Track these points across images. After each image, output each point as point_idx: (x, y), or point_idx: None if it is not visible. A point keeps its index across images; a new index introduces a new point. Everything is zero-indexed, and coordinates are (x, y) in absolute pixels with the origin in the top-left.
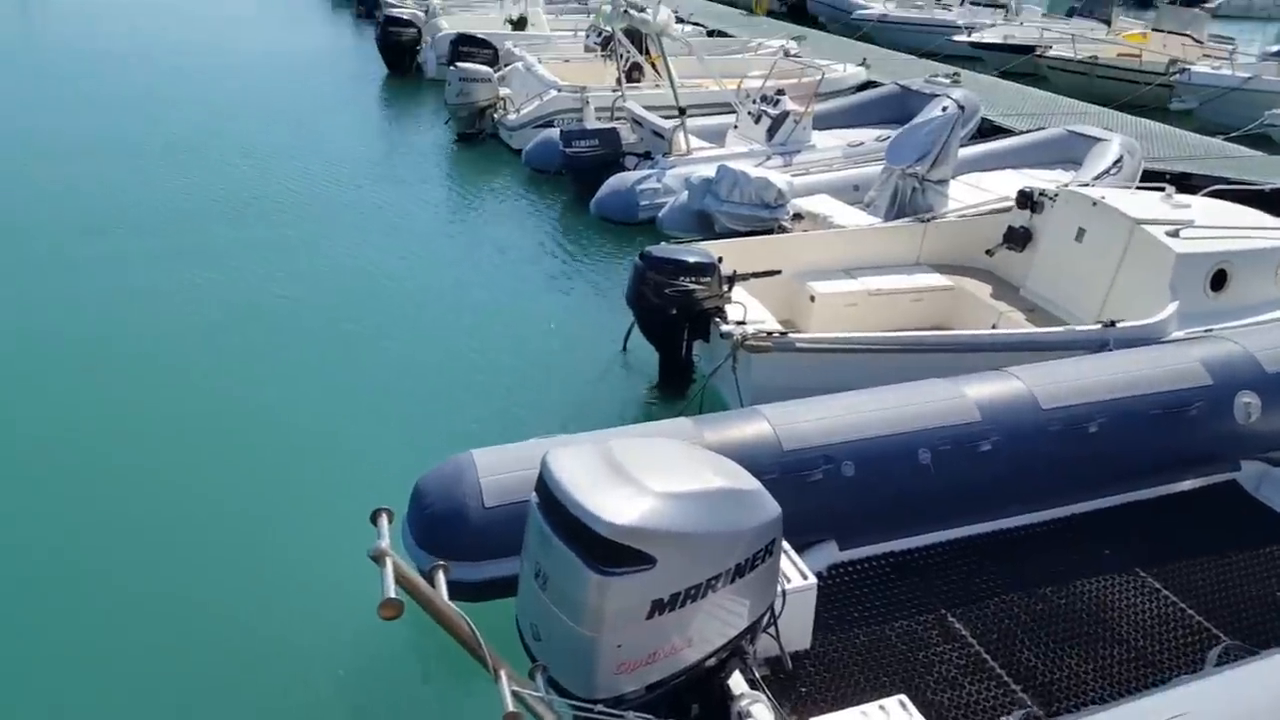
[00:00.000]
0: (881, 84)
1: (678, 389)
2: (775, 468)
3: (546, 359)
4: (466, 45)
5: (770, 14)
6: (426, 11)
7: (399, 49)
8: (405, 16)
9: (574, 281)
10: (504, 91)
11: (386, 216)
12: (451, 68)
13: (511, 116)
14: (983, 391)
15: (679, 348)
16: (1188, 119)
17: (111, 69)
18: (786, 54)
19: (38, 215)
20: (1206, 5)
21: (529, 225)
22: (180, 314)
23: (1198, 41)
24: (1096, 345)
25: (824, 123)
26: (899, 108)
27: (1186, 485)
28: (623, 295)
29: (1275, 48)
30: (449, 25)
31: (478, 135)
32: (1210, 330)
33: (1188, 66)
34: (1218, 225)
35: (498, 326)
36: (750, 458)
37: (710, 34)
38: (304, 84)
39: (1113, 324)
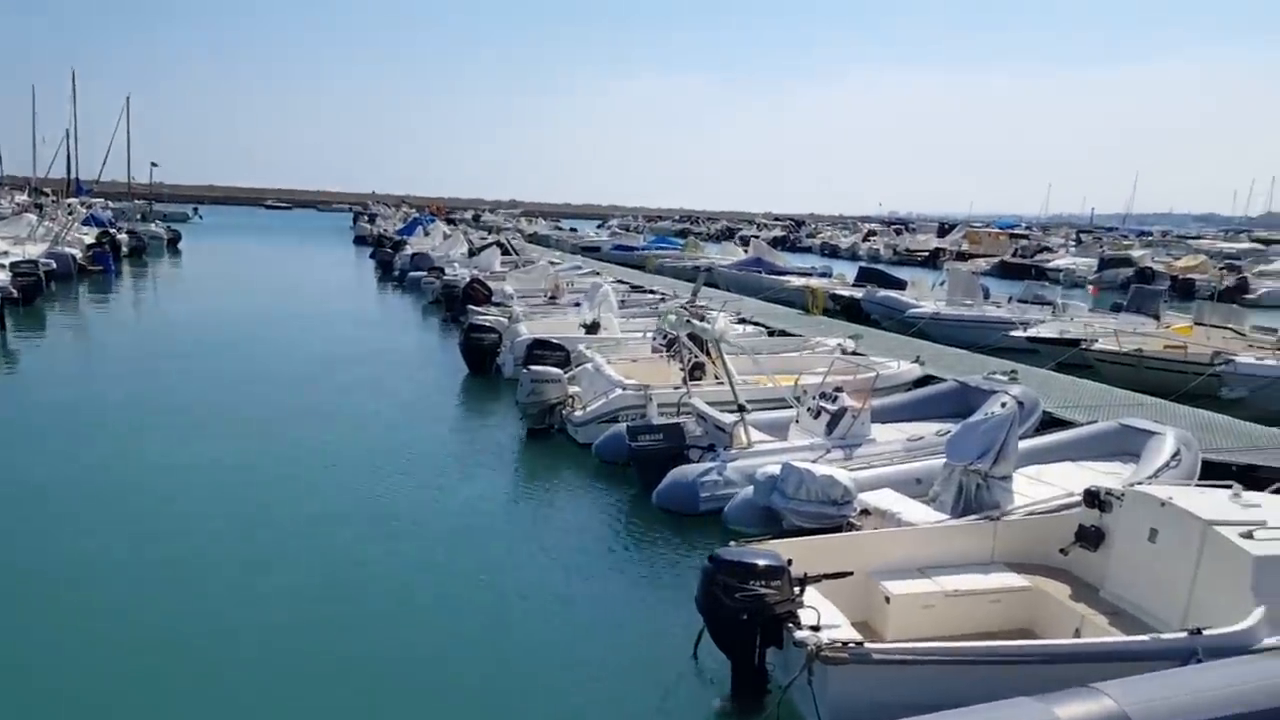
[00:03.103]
0: (939, 378)
1: (752, 701)
2: None
3: (613, 662)
4: (540, 349)
5: (825, 312)
6: (509, 318)
7: (480, 353)
8: (488, 323)
9: (639, 574)
10: (573, 390)
11: (456, 511)
12: (524, 370)
13: (578, 413)
14: (1075, 713)
15: (752, 656)
16: (1241, 407)
17: (219, 362)
18: (844, 351)
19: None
20: (1246, 297)
21: (594, 517)
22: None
23: (1239, 334)
24: (1185, 654)
25: (885, 417)
26: (959, 403)
27: None
28: (688, 592)
29: None
30: (528, 330)
31: (548, 430)
32: None
33: (1232, 358)
34: None
35: (562, 624)
36: None
37: (771, 333)
38: (392, 383)
39: (1198, 631)
